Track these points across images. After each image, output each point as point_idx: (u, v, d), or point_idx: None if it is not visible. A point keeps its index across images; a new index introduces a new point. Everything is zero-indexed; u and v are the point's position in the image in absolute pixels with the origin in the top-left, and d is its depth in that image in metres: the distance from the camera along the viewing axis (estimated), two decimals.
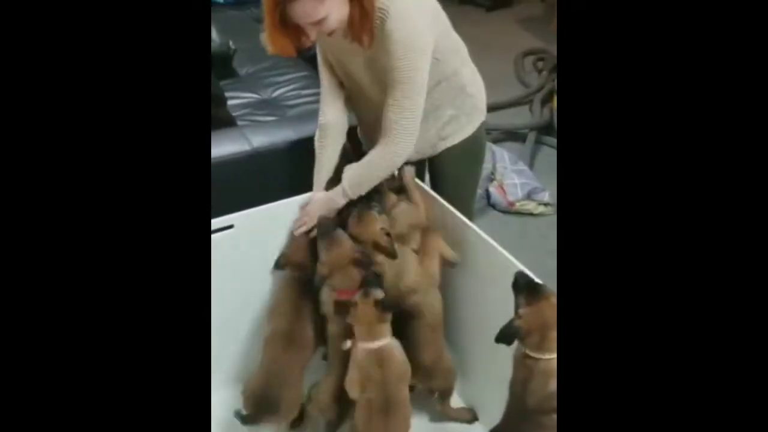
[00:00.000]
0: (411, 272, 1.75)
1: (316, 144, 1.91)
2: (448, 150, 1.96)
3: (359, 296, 1.62)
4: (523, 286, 1.47)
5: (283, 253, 1.90)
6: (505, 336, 1.44)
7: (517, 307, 1.47)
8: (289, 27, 1.57)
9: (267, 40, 1.62)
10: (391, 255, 1.71)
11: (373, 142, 1.81)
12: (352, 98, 1.94)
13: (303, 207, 1.87)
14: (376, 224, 1.73)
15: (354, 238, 1.73)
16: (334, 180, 1.87)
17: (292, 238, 1.88)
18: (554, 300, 1.41)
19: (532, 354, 1.42)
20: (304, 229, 1.84)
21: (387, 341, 1.65)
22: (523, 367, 1.44)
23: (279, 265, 1.90)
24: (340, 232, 1.74)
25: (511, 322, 1.44)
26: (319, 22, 1.54)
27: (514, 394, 1.49)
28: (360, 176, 1.79)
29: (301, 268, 1.84)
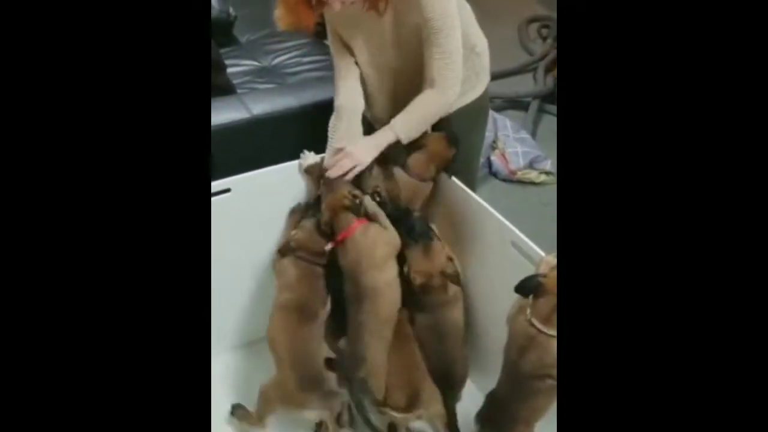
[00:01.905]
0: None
1: (330, 126, 1.85)
2: (457, 112, 1.93)
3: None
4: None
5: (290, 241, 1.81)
6: (525, 287, 1.43)
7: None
8: (309, 1, 1.55)
9: (283, 14, 1.60)
10: (456, 281, 1.73)
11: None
12: (368, 79, 1.88)
13: (338, 153, 1.78)
14: (442, 256, 1.71)
15: (422, 273, 1.69)
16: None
17: (303, 225, 1.82)
18: None
19: (537, 324, 1.41)
20: (350, 176, 1.77)
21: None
22: (523, 335, 1.44)
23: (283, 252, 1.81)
24: (340, 180, 1.75)
25: (534, 276, 1.43)
26: None
27: (508, 359, 1.49)
28: (413, 122, 1.77)
29: (313, 254, 1.79)
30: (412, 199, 1.83)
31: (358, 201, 1.71)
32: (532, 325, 1.41)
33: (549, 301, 1.39)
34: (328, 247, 1.72)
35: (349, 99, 1.85)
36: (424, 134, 1.82)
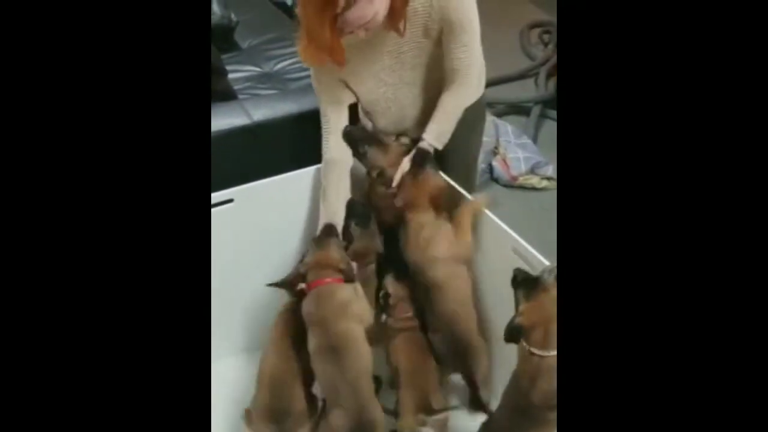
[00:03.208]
0: (440, 243, 1.75)
1: (323, 181, 1.89)
2: None
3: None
4: (522, 282, 1.47)
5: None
6: (510, 334, 1.44)
7: (517, 303, 1.46)
8: (337, 36, 1.57)
9: (313, 53, 1.62)
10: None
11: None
12: (379, 101, 1.89)
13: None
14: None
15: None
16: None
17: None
18: (554, 293, 1.39)
19: (537, 351, 1.41)
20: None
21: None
22: (530, 364, 1.43)
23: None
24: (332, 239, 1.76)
25: (513, 319, 1.44)
26: (369, 21, 1.56)
27: (518, 389, 1.47)
28: (443, 127, 1.84)
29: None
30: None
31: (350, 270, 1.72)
32: (534, 353, 1.41)
33: (539, 331, 1.40)
34: (302, 286, 1.71)
35: (340, 153, 1.88)
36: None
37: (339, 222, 1.83)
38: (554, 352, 1.39)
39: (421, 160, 1.81)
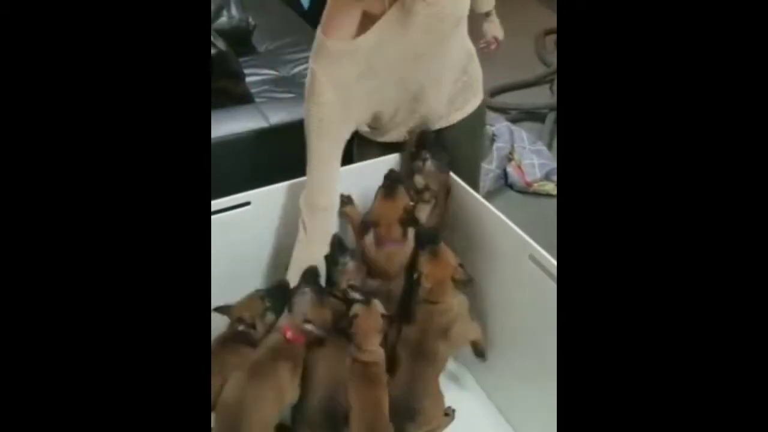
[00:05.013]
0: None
1: (311, 228, 1.70)
2: (460, 123, 1.94)
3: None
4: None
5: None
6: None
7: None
8: None
9: None
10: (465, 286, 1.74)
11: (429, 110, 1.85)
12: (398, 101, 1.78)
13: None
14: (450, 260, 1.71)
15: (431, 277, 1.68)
16: None
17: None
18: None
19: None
20: None
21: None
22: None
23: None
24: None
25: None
26: None
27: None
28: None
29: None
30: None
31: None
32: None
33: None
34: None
35: (334, 197, 1.76)
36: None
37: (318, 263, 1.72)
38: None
39: (430, 236, 1.73)
